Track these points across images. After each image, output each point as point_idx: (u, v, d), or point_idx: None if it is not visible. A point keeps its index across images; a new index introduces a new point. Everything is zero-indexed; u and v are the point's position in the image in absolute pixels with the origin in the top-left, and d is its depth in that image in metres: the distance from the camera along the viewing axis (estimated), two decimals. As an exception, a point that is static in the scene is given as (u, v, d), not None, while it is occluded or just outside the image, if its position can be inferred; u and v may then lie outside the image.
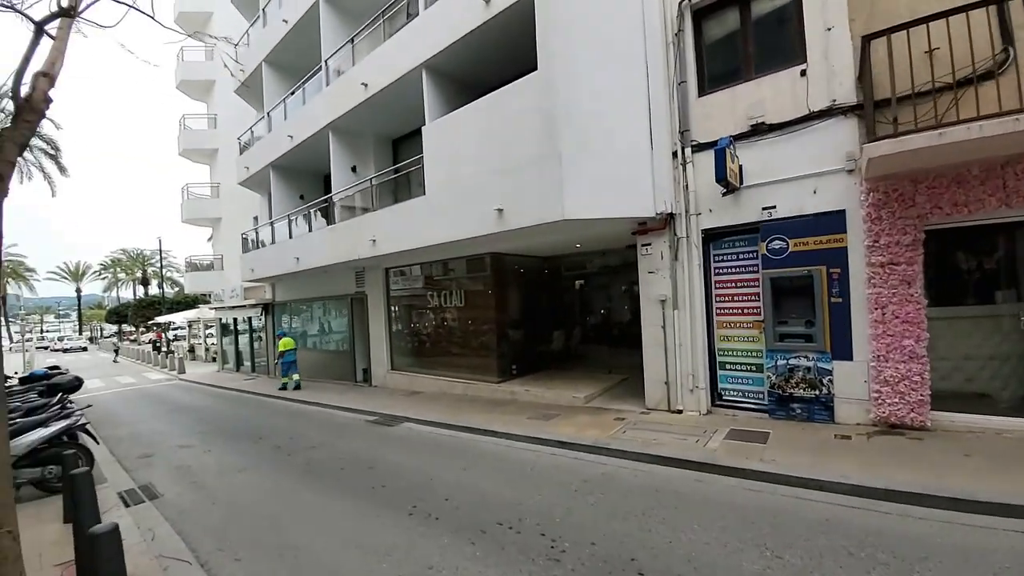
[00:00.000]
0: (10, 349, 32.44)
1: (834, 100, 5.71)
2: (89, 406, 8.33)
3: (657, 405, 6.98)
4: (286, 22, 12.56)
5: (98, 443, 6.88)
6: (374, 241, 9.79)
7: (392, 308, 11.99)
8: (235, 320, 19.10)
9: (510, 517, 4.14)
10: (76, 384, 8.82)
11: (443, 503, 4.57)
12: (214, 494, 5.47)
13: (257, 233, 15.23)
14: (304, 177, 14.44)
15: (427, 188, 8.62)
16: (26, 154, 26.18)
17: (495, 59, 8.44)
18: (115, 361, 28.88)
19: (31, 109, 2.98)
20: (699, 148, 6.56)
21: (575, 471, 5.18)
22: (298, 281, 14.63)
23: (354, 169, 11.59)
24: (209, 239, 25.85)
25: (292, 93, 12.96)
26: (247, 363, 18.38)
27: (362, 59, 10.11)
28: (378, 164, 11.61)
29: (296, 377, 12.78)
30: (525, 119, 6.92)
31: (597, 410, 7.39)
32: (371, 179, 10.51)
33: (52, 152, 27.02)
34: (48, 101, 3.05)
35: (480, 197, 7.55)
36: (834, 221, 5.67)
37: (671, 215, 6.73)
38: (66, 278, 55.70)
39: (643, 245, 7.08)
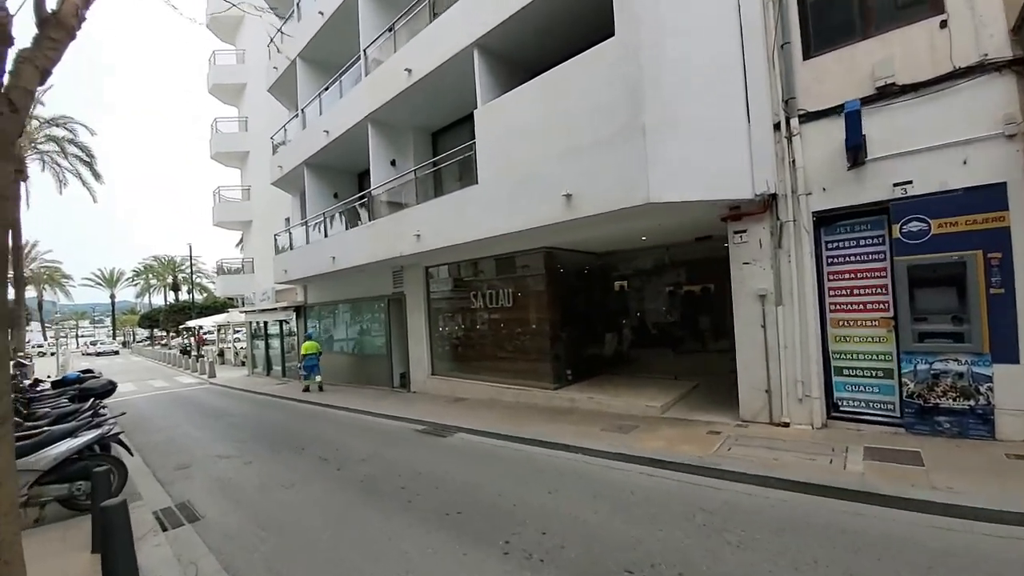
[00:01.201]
0: (45, 353, 32.87)
1: (985, 55, 4.74)
2: (123, 413, 7.75)
3: (755, 416, 6.01)
4: (322, 14, 12.03)
5: (132, 454, 6.24)
6: (418, 236, 9.06)
7: (432, 309, 11.25)
8: (265, 324, 18.66)
9: (638, 563, 3.26)
10: (109, 388, 8.28)
11: (541, 538, 3.71)
12: (261, 515, 4.72)
13: (290, 234, 14.71)
14: (338, 176, 13.88)
15: (479, 177, 7.85)
16: (61, 160, 26.62)
17: (555, 35, 7.67)
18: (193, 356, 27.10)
19: (59, 25, 2.27)
20: (809, 117, 5.62)
21: (688, 498, 4.27)
22: (332, 282, 14.03)
23: (393, 163, 10.93)
24: (238, 244, 25.68)
25: (327, 88, 12.43)
26: (277, 367, 17.88)
27: (405, 44, 9.44)
28: (418, 158, 10.92)
29: (318, 379, 12.83)
30: (600, 91, 6.09)
31: (680, 422, 6.44)
32: (414, 170, 9.82)
33: (87, 159, 27.45)
34: (81, 20, 2.34)
35: (543, 183, 6.75)
36: (991, 196, 4.67)
37: (773, 196, 5.80)
38: (100, 284, 56.91)
39: (736, 233, 6.15)
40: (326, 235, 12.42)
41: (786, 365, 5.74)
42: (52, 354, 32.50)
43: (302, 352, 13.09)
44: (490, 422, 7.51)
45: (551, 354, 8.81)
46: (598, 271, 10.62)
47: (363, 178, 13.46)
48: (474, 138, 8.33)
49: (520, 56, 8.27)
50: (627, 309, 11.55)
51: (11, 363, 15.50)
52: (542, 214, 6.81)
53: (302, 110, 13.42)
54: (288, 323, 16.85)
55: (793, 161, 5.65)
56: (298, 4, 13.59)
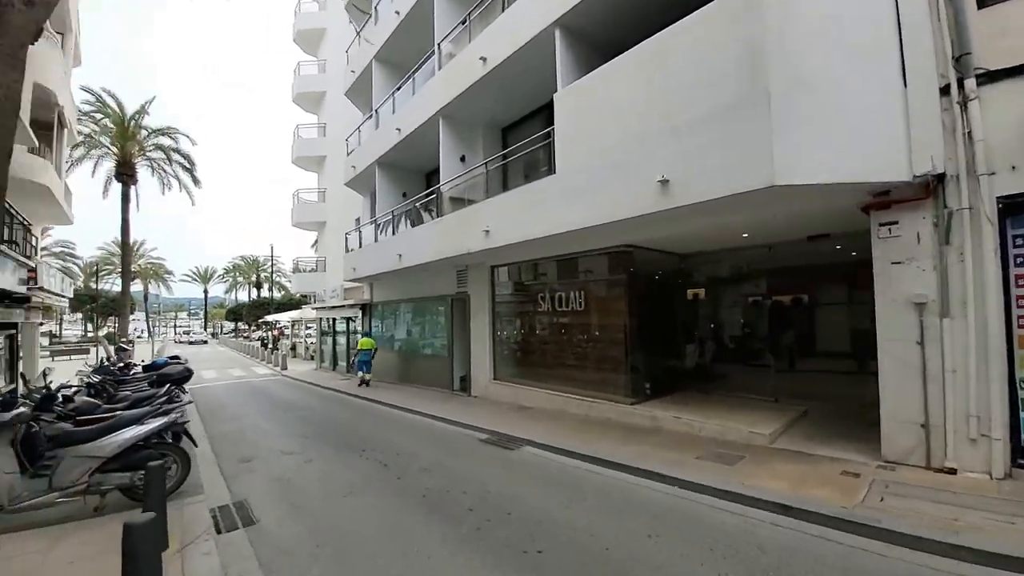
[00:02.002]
0: (145, 339, 36.22)
1: None
2: (190, 401, 7.68)
3: (904, 458, 4.72)
4: (398, 13, 11.94)
5: (196, 445, 6.06)
6: (487, 232, 8.47)
7: (497, 311, 10.62)
8: (333, 320, 19.06)
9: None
10: (186, 375, 8.38)
11: (651, 602, 2.84)
12: (319, 527, 4.21)
13: (360, 233, 14.79)
14: (408, 175, 13.75)
15: (558, 166, 7.11)
16: (166, 167, 29.21)
17: (640, 7, 6.81)
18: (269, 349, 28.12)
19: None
20: (989, 78, 4.34)
21: (846, 565, 3.20)
22: (397, 281, 13.88)
23: (463, 159, 10.49)
24: (313, 244, 26.79)
25: (400, 87, 12.32)
26: (342, 362, 18.13)
27: (480, 33, 8.96)
28: (487, 154, 10.40)
29: (368, 376, 13.45)
30: (709, 59, 5.14)
31: (798, 456, 5.25)
32: (485, 163, 9.27)
33: (188, 167, 29.97)
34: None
35: (633, 169, 5.88)
36: None
37: (939, 178, 4.54)
38: (196, 280, 62.54)
39: (883, 225, 4.91)
40: (394, 233, 12.24)
41: (954, 394, 4.42)
42: (151, 341, 35.74)
43: (358, 347, 13.85)
44: (560, 436, 6.68)
45: (627, 365, 7.83)
46: (679, 275, 9.48)
47: (431, 177, 13.22)
48: (547, 131, 7.65)
49: (603, 35, 7.49)
50: (708, 318, 10.27)
51: (112, 346, 16.80)
52: (630, 204, 5.93)
53: (376, 110, 13.45)
54: (354, 321, 17.02)
55: (969, 133, 4.37)
56: (376, 7, 13.69)
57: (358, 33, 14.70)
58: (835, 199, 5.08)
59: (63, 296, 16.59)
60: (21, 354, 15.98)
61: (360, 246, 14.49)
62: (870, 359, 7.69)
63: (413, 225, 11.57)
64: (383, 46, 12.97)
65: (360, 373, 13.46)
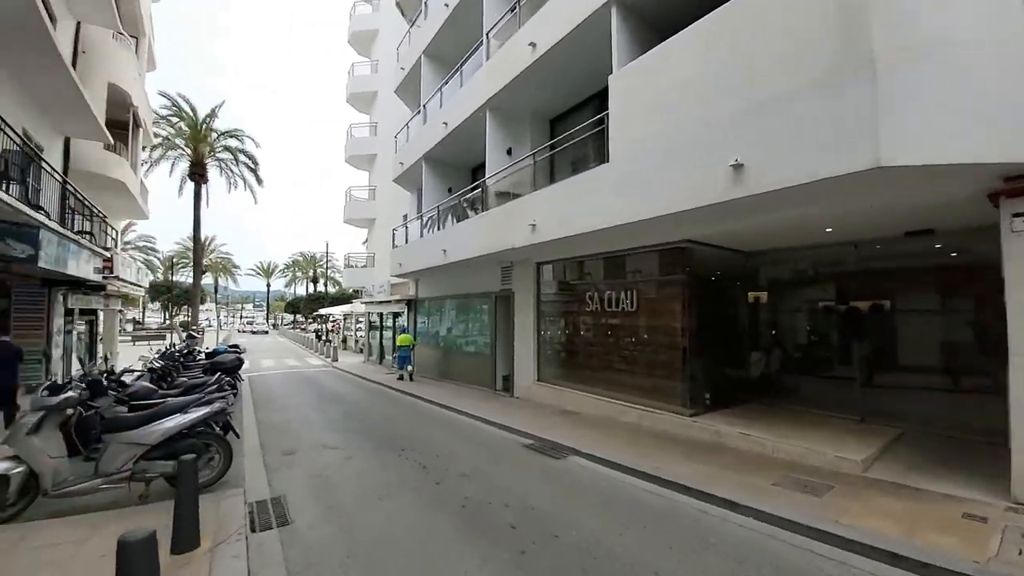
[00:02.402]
0: (214, 328, 38.62)
1: None
2: (235, 391, 7.73)
3: (1048, 501, 3.80)
4: (447, 6, 11.70)
5: (238, 436, 6.00)
6: (533, 227, 8.00)
7: (542, 310, 10.13)
8: (381, 315, 19.28)
9: None
10: (237, 364, 8.53)
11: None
12: (352, 534, 3.92)
13: (406, 228, 14.77)
14: (454, 171, 13.53)
15: (611, 153, 6.51)
16: (232, 167, 30.88)
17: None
18: (323, 341, 29.14)
19: None
20: None
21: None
22: (442, 277, 13.72)
23: (509, 152, 10.08)
24: (364, 241, 27.41)
25: (448, 80, 12.08)
26: (389, 356, 18.28)
27: (531, 18, 8.49)
28: (535, 146, 9.93)
29: (410, 369, 13.76)
30: (793, 24, 4.40)
31: (901, 489, 4.40)
32: (532, 153, 8.78)
33: (252, 167, 31.59)
34: None
35: (699, 154, 5.21)
36: None
37: (1108, 156, 3.59)
38: (259, 274, 66.35)
39: (1019, 215, 3.99)
40: (439, 228, 12.04)
41: (1124, 428, 3.48)
42: (218, 329, 38.10)
43: (397, 343, 14.17)
44: (612, 448, 6.10)
45: (684, 372, 7.11)
46: (743, 275, 8.58)
47: (477, 173, 12.93)
48: (600, 117, 7.07)
49: (660, 12, 6.82)
50: (773, 324, 9.25)
51: (184, 333, 17.83)
52: (694, 194, 5.26)
53: (423, 105, 13.32)
54: (400, 316, 17.09)
55: None
56: (425, 3, 13.55)
57: (409, 29, 14.66)
58: (953, 185, 4.19)
59: (139, 285, 17.79)
60: (101, 338, 17.30)
61: (406, 242, 14.46)
62: (966, 375, 6.59)
63: (458, 220, 11.30)
64: (432, 40, 12.80)
65: (400, 368, 13.79)
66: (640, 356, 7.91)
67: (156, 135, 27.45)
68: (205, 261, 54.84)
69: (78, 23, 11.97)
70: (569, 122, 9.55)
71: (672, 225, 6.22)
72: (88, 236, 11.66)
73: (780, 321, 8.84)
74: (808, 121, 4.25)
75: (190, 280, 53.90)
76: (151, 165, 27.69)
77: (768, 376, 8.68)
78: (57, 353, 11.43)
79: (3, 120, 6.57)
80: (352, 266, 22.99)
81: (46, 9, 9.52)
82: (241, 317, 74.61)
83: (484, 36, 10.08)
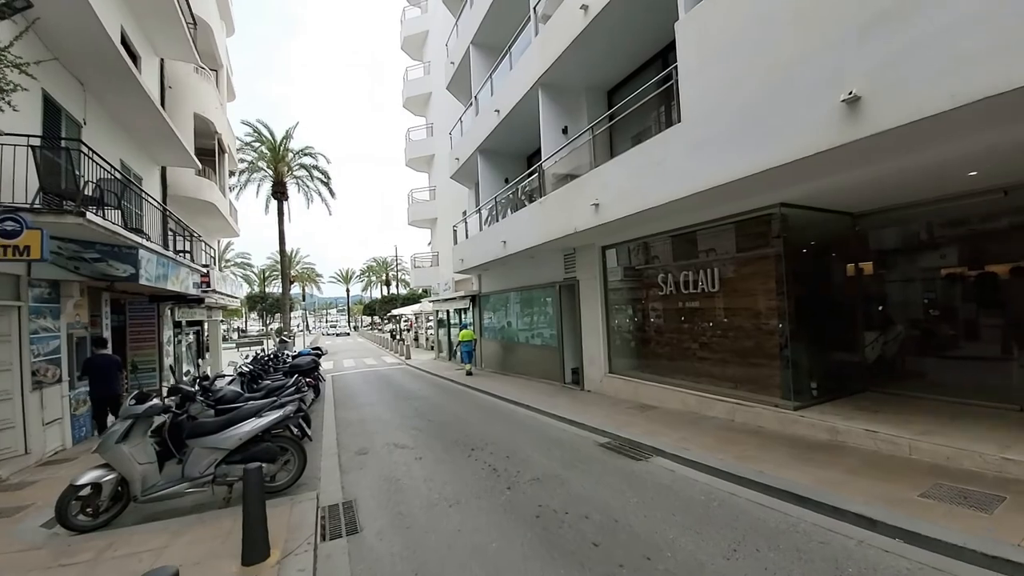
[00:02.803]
0: (303, 332, 41.75)
1: None
2: (302, 394, 7.83)
3: None
4: (492, -11, 11.24)
5: (310, 439, 6.01)
6: (596, 206, 7.32)
7: (610, 297, 9.40)
8: (448, 312, 19.46)
9: None
10: (313, 365, 8.78)
11: None
12: (419, 547, 3.61)
13: (466, 224, 14.62)
14: (509, 160, 13.11)
15: (683, 112, 5.66)
16: (308, 183, 32.94)
17: None
18: (397, 340, 30.65)
19: None
20: None
21: None
22: (504, 270, 13.40)
23: (565, 131, 9.42)
24: (429, 243, 28.00)
25: (497, 66, 11.64)
26: (458, 352, 18.39)
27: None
28: (592, 120, 9.19)
29: (468, 365, 13.95)
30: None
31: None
32: (591, 127, 8.06)
33: (325, 181, 33.55)
34: None
35: (798, 92, 4.27)
36: None
37: None
38: (339, 281, 70.99)
39: None
40: (497, 220, 11.69)
41: None
42: (305, 334, 41.10)
43: (459, 339, 14.47)
44: (701, 447, 5.34)
45: (783, 358, 6.10)
46: (850, 241, 7.25)
47: (532, 160, 12.42)
48: (663, 78, 6.22)
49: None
50: (888, 297, 7.77)
51: (277, 339, 19.29)
52: (792, 144, 4.33)
53: (475, 97, 13.01)
54: (466, 312, 17.08)
55: None
56: (470, -9, 13.21)
57: (456, 22, 14.41)
58: None
59: (234, 297, 19.40)
60: (207, 347, 19.14)
61: (467, 237, 14.30)
62: None
63: (515, 210, 10.86)
64: (479, 28, 12.42)
65: (464, 363, 14.08)
66: (727, 342, 6.96)
67: (242, 160, 30.11)
68: (292, 272, 59.92)
69: (161, 60, 13.05)
70: (628, 90, 8.70)
71: (762, 187, 5.28)
72: (186, 255, 12.79)
73: (898, 294, 7.37)
74: (946, 32, 3.23)
75: (289, 290, 59.18)
76: (241, 188, 30.35)
77: (886, 359, 7.29)
78: (168, 361, 12.64)
79: (96, 153, 7.13)
80: (418, 266, 23.50)
81: (128, 50, 10.46)
82: (326, 321, 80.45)
83: (531, 11, 9.48)
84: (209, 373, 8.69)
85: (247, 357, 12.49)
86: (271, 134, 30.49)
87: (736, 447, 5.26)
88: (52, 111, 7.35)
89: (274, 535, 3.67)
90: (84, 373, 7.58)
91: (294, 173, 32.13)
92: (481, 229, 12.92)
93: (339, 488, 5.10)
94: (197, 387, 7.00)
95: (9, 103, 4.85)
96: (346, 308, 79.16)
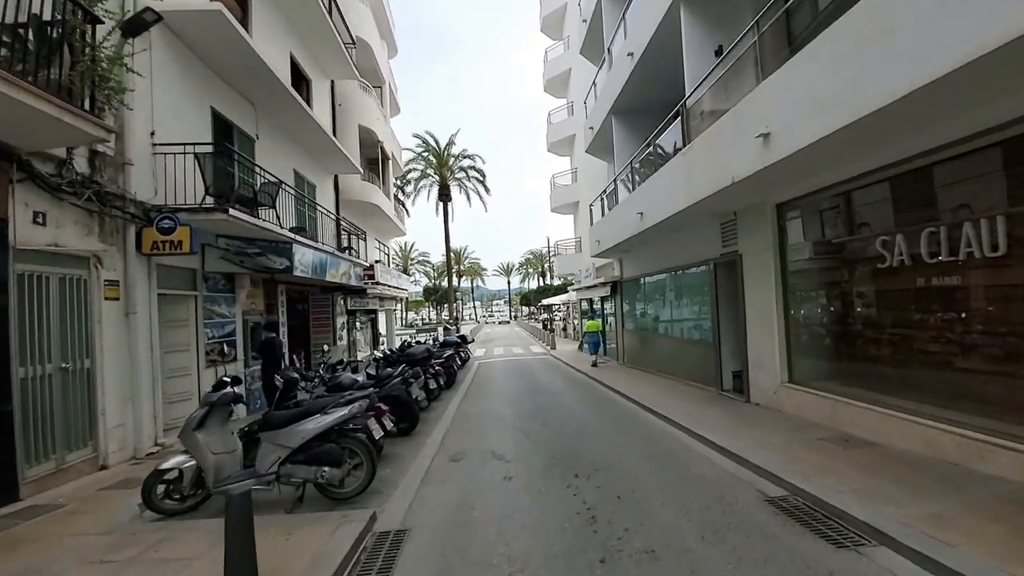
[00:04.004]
0: (472, 321, 44.98)
1: None
2: (441, 381, 7.21)
3: None
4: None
5: (380, 448, 5.24)
6: (766, 137, 4.85)
7: (790, 274, 6.56)
8: (591, 300, 17.83)
9: None
10: (425, 356, 8.33)
11: None
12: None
13: (603, 200, 12.75)
14: (646, 117, 10.73)
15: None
16: (467, 183, 34.94)
17: None
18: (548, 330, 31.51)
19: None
20: None
21: None
22: (645, 249, 11.16)
23: (719, 51, 6.88)
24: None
25: (630, 4, 9.47)
26: (602, 345, 16.62)
27: None
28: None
29: (594, 356, 13.17)
30: None
31: None
32: (755, 22, 5.41)
33: (481, 179, 35.16)
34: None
35: None
36: None
37: None
38: (502, 274, 75.24)
39: None
40: (633, 188, 9.61)
41: None
42: (470, 322, 44.20)
43: (585, 329, 13.97)
44: (982, 546, 2.74)
45: None
46: None
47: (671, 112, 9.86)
48: None
49: None
50: None
51: (442, 327, 21.42)
52: None
53: (608, 50, 11.08)
54: (607, 300, 15.22)
55: None
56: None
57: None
58: None
59: (401, 288, 21.29)
60: (384, 332, 21.53)
61: (603, 215, 12.45)
62: None
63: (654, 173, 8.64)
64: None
65: (591, 354, 13.37)
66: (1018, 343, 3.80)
67: (413, 169, 33.59)
68: (460, 267, 65.85)
69: (332, 82, 14.58)
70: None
71: None
72: (350, 251, 14.15)
73: None
74: None
75: (459, 284, 65.59)
76: (415, 195, 34.03)
77: None
78: (341, 345, 14.15)
79: (250, 160, 7.85)
80: (559, 254, 22.35)
81: (299, 73, 11.71)
82: (491, 312, 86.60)
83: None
84: (345, 358, 9.18)
85: (382, 346, 13.48)
86: (436, 142, 33.26)
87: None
88: (221, 125, 8.32)
89: (293, 565, 2.87)
90: (258, 353, 8.56)
91: (455, 176, 34.54)
92: (617, 202, 10.96)
93: (406, 507, 4.18)
94: (317, 372, 7.09)
95: (123, 103, 5.21)
96: (508, 299, 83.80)
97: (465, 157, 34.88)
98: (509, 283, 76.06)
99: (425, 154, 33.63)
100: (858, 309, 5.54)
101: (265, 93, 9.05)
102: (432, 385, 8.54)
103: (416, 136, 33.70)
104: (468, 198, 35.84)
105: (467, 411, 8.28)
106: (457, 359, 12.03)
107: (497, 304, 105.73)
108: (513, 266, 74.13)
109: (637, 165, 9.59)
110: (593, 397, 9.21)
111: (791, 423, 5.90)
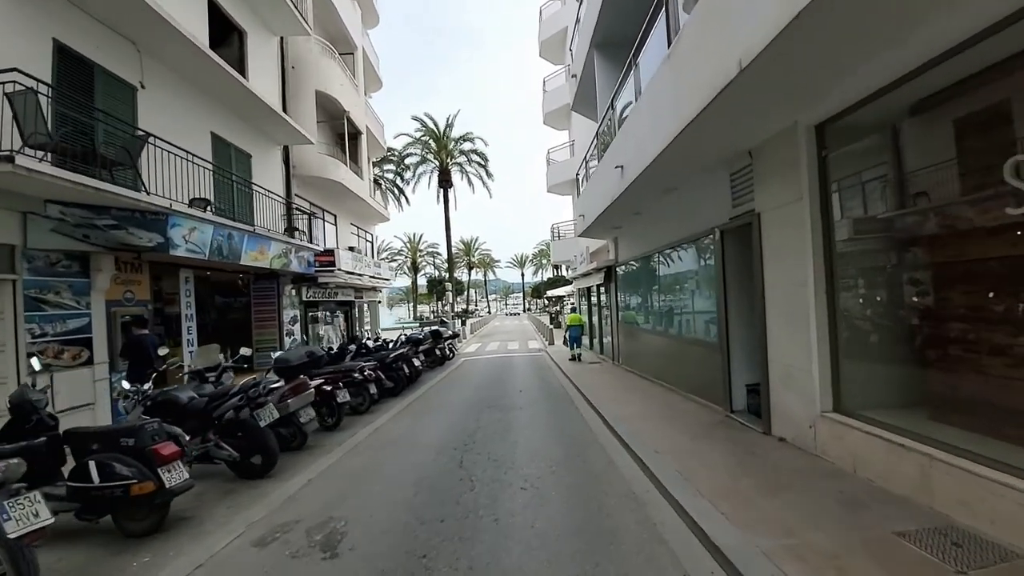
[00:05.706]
0: (483, 314, 43.03)
1: None
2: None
3: None
4: None
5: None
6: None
7: (837, 238, 4.07)
8: (588, 290, 15.43)
9: None
10: (307, 362, 6.20)
11: None
12: None
13: (586, 165, 10.31)
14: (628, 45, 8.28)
15: None
16: (467, 167, 32.75)
17: None
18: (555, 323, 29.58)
19: None
20: None
21: None
22: (638, 223, 8.72)
23: None
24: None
25: None
26: (596, 339, 14.26)
27: None
28: None
29: (578, 351, 12.67)
30: None
31: None
32: None
33: (483, 163, 32.94)
34: None
35: None
36: None
37: None
38: (515, 265, 72.99)
39: None
40: (612, 138, 7.19)
41: None
42: (480, 314, 42.23)
43: (567, 323, 13.20)
44: None
45: None
46: None
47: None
48: None
49: None
50: None
51: (452, 316, 20.15)
52: None
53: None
54: (602, 288, 12.82)
55: None
56: None
57: None
58: None
59: (379, 278, 19.27)
60: (365, 325, 19.66)
61: (587, 180, 10.03)
62: None
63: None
64: None
65: (571, 349, 12.75)
66: None
67: (412, 153, 31.64)
68: (472, 259, 63.83)
69: (281, 39, 12.54)
70: None
71: None
72: (297, 232, 12.17)
73: None
74: None
75: (471, 276, 63.76)
76: (415, 180, 32.10)
77: None
78: (212, 347, 12.01)
79: (106, 111, 5.85)
80: (558, 237, 19.94)
81: (227, 22, 9.78)
82: (507, 304, 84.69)
83: None
84: (223, 362, 7.28)
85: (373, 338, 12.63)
86: (435, 124, 31.15)
87: None
88: (73, 62, 6.35)
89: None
90: (125, 355, 6.66)
91: (455, 160, 32.35)
92: (599, 161, 8.54)
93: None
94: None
95: None
96: (521, 291, 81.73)
97: (466, 140, 32.70)
98: (523, 275, 73.86)
99: (424, 138, 31.63)
100: (969, 297, 3.08)
101: (147, 31, 7.06)
102: (344, 397, 6.47)
103: (415, 119, 31.56)
104: (470, 183, 33.63)
105: (388, 435, 6.17)
106: (414, 361, 9.95)
107: (516, 297, 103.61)
108: (527, 257, 71.81)
109: (619, 108, 7.13)
110: (564, 413, 6.93)
111: (840, 486, 3.47)
